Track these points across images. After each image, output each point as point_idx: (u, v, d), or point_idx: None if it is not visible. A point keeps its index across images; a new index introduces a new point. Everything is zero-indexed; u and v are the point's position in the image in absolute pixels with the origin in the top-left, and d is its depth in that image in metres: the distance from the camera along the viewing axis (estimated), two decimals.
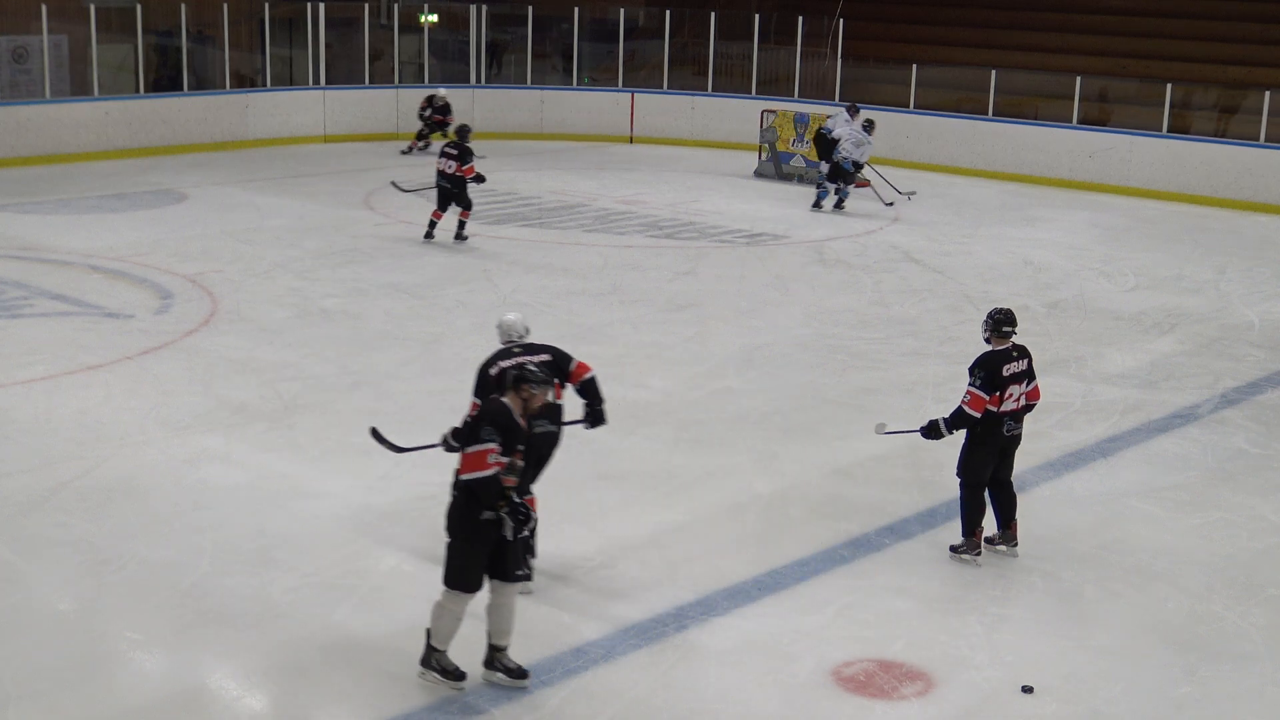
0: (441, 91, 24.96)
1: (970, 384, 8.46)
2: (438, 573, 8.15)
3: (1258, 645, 7.76)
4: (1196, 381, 12.63)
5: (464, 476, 6.85)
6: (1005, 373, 8.43)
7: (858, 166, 20.48)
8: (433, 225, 17.31)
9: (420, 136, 24.67)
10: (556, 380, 7.89)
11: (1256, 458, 10.79)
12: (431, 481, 9.56)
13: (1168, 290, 16.24)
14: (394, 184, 19.68)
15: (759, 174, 23.87)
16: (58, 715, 6.69)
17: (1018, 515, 8.76)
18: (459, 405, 11.20)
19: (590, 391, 8.15)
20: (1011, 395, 8.47)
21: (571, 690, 7.01)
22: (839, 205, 20.52)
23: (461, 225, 17.28)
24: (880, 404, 11.62)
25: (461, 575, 6.96)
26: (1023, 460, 9.89)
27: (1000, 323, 8.58)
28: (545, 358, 7.95)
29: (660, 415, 11.19)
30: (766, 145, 24.02)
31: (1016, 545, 8.73)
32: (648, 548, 8.75)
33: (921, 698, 7.07)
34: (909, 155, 24.86)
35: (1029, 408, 8.68)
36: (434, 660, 7.05)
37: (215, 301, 14.11)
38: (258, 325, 13.37)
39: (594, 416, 8.18)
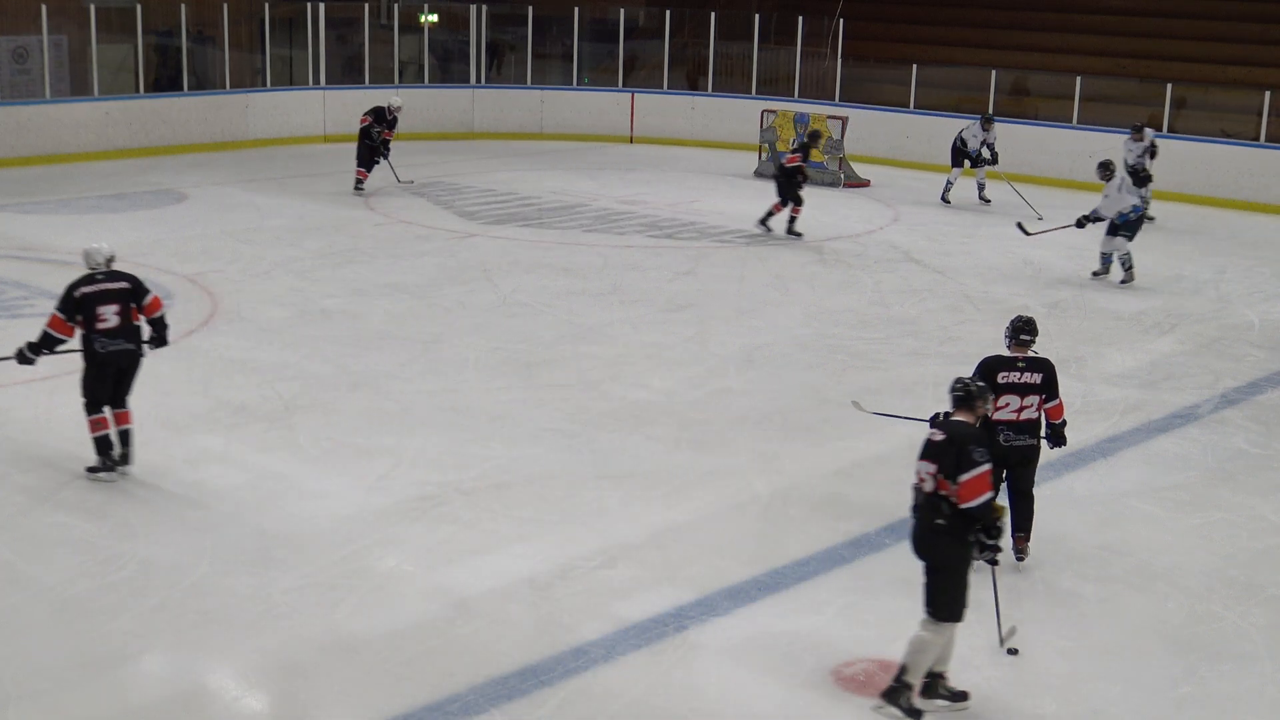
0: (396, 101, 21.46)
1: None
2: (439, 572, 8.19)
3: (1258, 645, 7.76)
4: (1196, 381, 12.63)
5: (969, 504, 6.77)
6: (1000, 379, 8.34)
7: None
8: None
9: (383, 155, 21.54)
10: (134, 305, 9.44)
11: (1256, 458, 10.80)
12: (431, 481, 9.60)
13: (1168, 290, 16.24)
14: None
15: (759, 174, 23.86)
16: (58, 715, 6.69)
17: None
18: (458, 405, 11.28)
19: (158, 325, 9.66)
20: (1007, 405, 8.35)
21: (572, 690, 7.01)
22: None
23: None
24: (880, 404, 11.60)
25: (958, 606, 6.87)
26: None
27: (1017, 330, 8.56)
28: (124, 285, 9.47)
29: (660, 415, 11.19)
30: (767, 145, 24.03)
31: (1023, 558, 8.63)
32: (648, 548, 8.75)
33: (921, 698, 7.07)
34: (909, 155, 24.86)
35: (1053, 425, 8.51)
36: (904, 699, 6.82)
37: (215, 301, 14.11)
38: (258, 325, 13.37)
39: (158, 342, 9.73)
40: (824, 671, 7.27)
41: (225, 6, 24.57)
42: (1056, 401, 8.54)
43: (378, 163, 20.94)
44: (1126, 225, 16.18)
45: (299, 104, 25.85)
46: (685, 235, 18.44)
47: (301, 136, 25.56)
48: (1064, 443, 8.72)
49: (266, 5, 25.24)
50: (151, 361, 12.05)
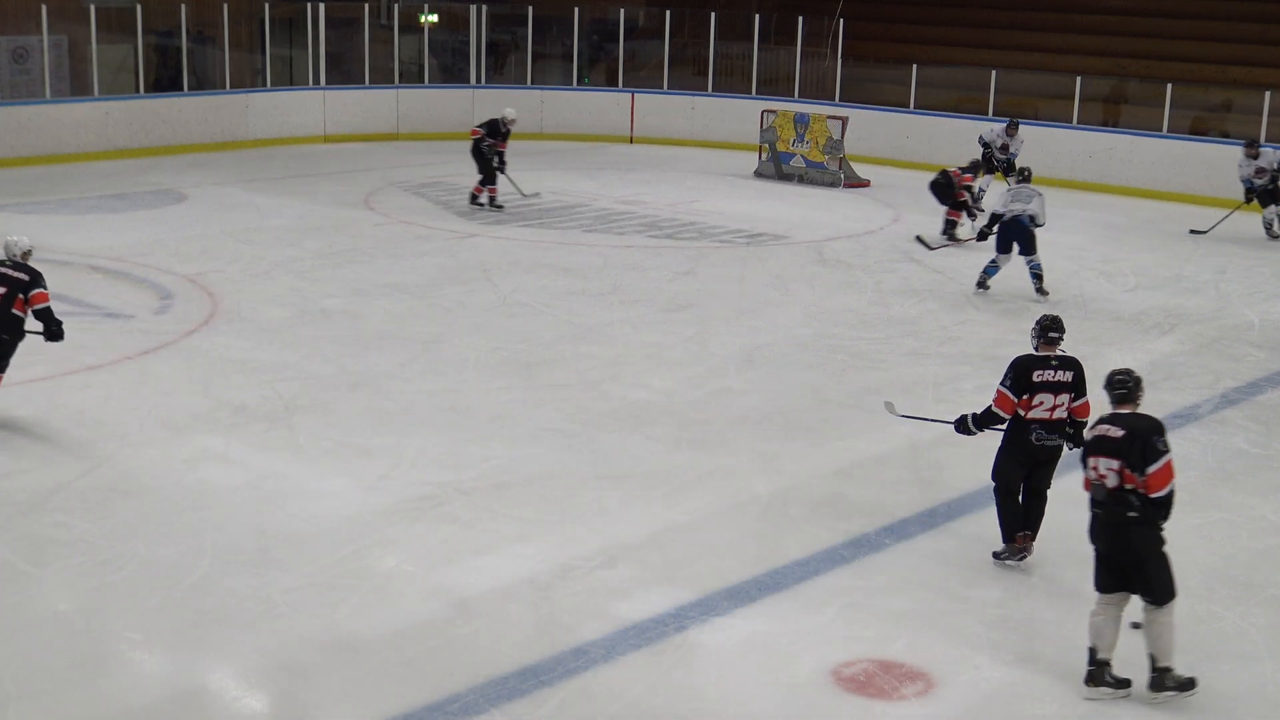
0: (510, 113, 20.15)
1: (1000, 383, 8.42)
2: (439, 572, 8.19)
3: (1258, 645, 7.76)
4: (1196, 381, 12.63)
5: (1158, 493, 7.07)
6: (1035, 378, 8.33)
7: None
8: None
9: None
10: (20, 296, 10.15)
11: (1256, 458, 10.80)
12: (430, 481, 9.59)
13: (1168, 290, 16.24)
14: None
15: (759, 174, 23.87)
16: (58, 715, 6.69)
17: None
18: (458, 405, 11.28)
19: (44, 316, 10.34)
20: (1042, 404, 8.34)
21: (571, 690, 7.01)
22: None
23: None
24: (880, 404, 11.61)
25: (1173, 583, 7.19)
26: None
27: (1046, 329, 8.52)
28: (24, 277, 10.25)
29: (660, 415, 11.19)
30: (767, 145, 24.03)
31: (1025, 557, 8.63)
32: (648, 548, 8.75)
33: (921, 698, 7.07)
34: (909, 155, 24.85)
35: (1076, 424, 8.48)
36: (1177, 680, 7.08)
37: (215, 302, 14.11)
38: (258, 325, 13.37)
39: (50, 336, 10.47)
40: (824, 672, 7.27)
41: (225, 7, 24.57)
42: (1084, 400, 8.51)
43: (500, 173, 19.75)
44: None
45: (299, 104, 25.86)
46: (685, 235, 18.45)
47: (301, 137, 25.57)
48: (1082, 443, 8.68)
49: (266, 5, 25.24)
50: (151, 362, 12.10)
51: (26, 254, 10.49)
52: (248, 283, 14.99)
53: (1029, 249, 15.46)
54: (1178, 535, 9.21)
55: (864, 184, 22.88)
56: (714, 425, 11.04)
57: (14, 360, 10.31)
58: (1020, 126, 21.14)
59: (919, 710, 6.97)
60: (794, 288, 15.77)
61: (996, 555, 8.65)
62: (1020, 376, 8.33)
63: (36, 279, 10.34)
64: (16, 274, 10.31)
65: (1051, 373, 8.38)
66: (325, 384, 11.69)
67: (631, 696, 6.98)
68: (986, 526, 9.23)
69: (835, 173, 23.01)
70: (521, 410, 11.20)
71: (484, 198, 19.68)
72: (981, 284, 15.65)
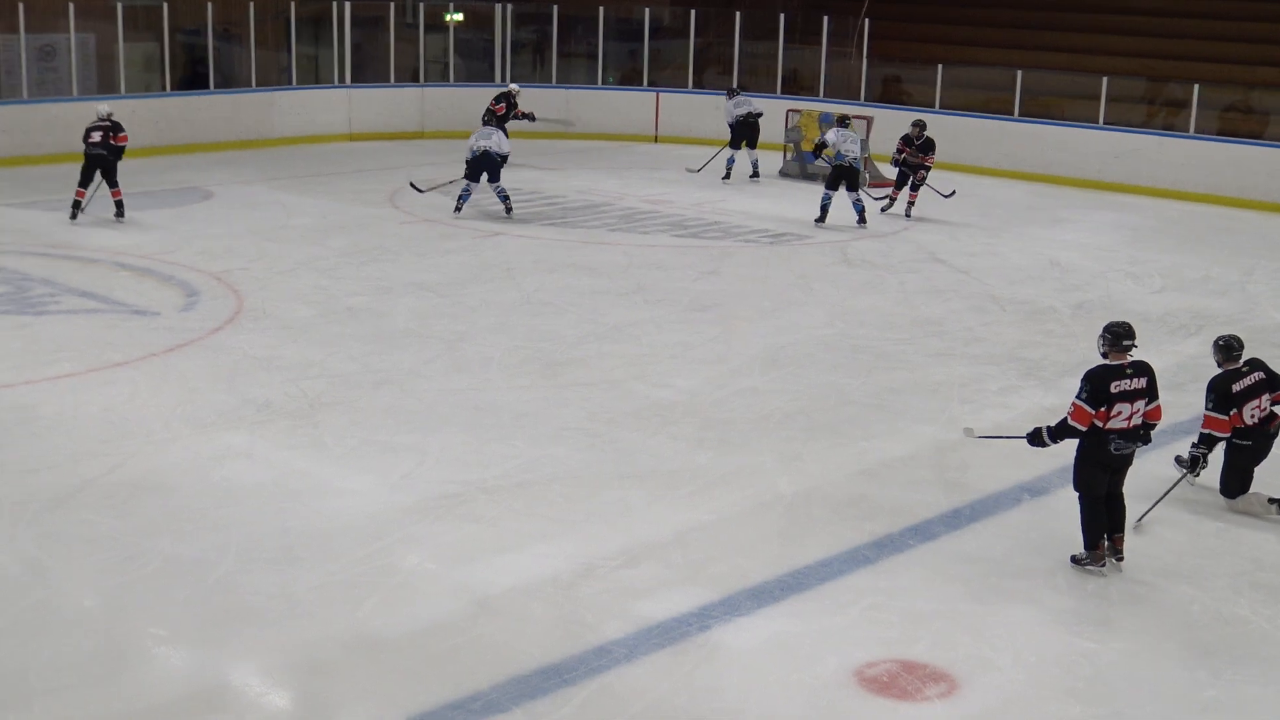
0: (514, 87, 24.13)
1: (1076, 395, 8.33)
2: (462, 570, 8.20)
3: None
4: None
5: None
6: (1114, 389, 8.24)
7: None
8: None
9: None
10: (112, 135, 14.39)
11: None
12: (454, 479, 9.60)
13: (1195, 292, 16.16)
14: (412, 184, 20.01)
15: (783, 174, 23.84)
16: (82, 711, 6.71)
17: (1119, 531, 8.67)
18: (482, 403, 11.29)
19: (119, 151, 15.69)
20: (1120, 413, 8.26)
21: (594, 689, 7.00)
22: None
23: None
24: (905, 405, 11.60)
25: None
26: (1049, 462, 9.91)
27: (1119, 336, 8.38)
28: (108, 125, 13.74)
29: (684, 415, 11.18)
30: (791, 145, 23.99)
31: (1121, 559, 8.58)
32: (671, 547, 8.74)
33: (945, 699, 7.05)
34: (935, 155, 24.72)
35: (1149, 427, 8.51)
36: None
37: (240, 299, 14.15)
38: (282, 323, 13.40)
39: (116, 157, 16.03)
40: (847, 672, 7.25)
41: (251, 5, 24.63)
42: (1156, 403, 8.52)
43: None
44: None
45: (324, 102, 25.92)
46: (710, 235, 18.43)
47: (326, 135, 25.63)
48: (1149, 442, 8.73)
49: (292, 4, 25.32)
50: (177, 359, 12.14)
51: (110, 114, 17.77)
52: (273, 280, 15.03)
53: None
54: (1204, 537, 9.21)
55: (888, 184, 22.79)
56: (737, 425, 11.02)
57: (40, 357, 10.39)
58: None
59: (942, 711, 6.95)
60: (818, 287, 15.74)
61: (1076, 560, 8.56)
62: (1098, 389, 8.21)
63: (118, 126, 17.70)
64: (105, 123, 17.57)
65: (1128, 382, 8.31)
66: (349, 382, 11.71)
67: (654, 696, 6.97)
68: (1010, 527, 9.22)
69: (860, 173, 22.92)
70: (545, 409, 11.20)
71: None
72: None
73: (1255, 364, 8.71)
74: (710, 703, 6.94)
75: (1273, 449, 9.70)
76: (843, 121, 19.96)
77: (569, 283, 15.39)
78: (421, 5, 27.50)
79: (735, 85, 24.73)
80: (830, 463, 10.33)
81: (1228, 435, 9.21)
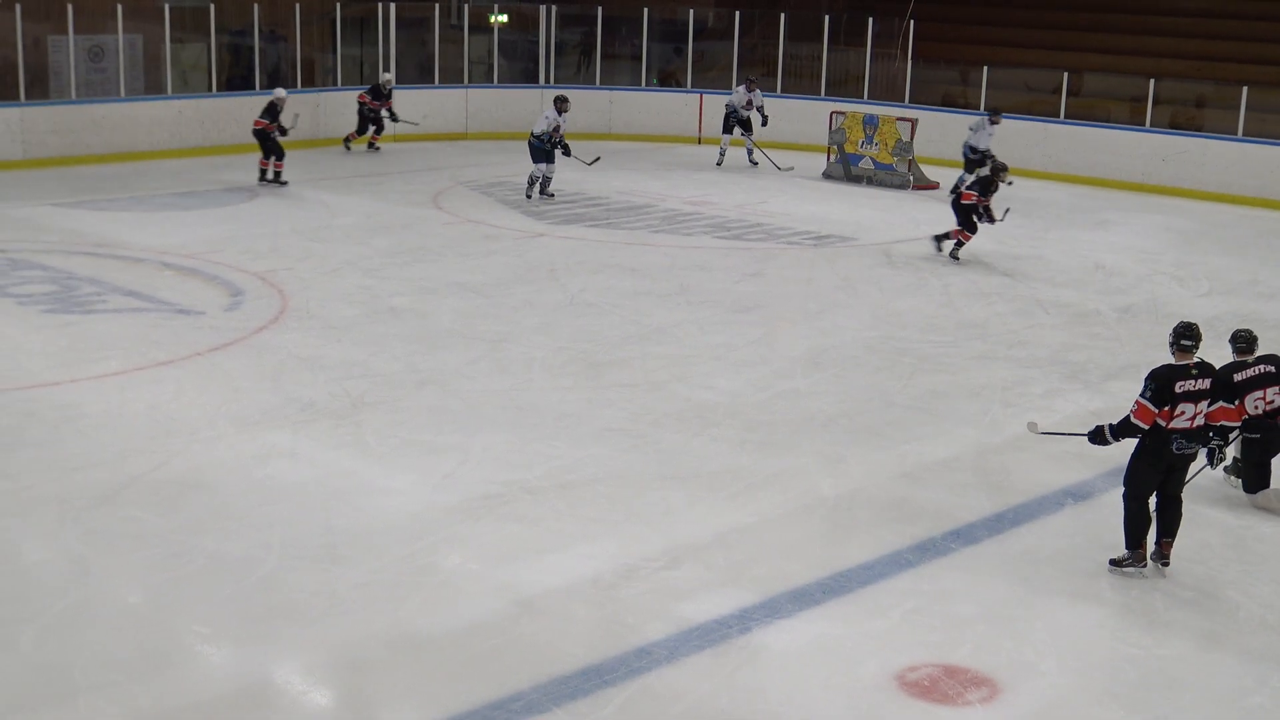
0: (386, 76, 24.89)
1: (1140, 394, 8.29)
2: (504, 570, 8.22)
3: None
4: None
5: None
6: (1178, 389, 8.20)
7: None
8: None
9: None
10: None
11: None
12: (496, 479, 9.63)
13: (1241, 295, 16.02)
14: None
15: (827, 175, 23.78)
16: (126, 707, 6.76)
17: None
18: (525, 404, 11.31)
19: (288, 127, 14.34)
20: (1184, 413, 8.23)
21: (635, 690, 7.01)
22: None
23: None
24: (948, 408, 11.55)
25: None
26: (1094, 467, 9.86)
27: (1180, 335, 8.38)
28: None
29: (726, 416, 11.17)
30: (835, 147, 23.93)
31: (1166, 564, 8.54)
32: (713, 549, 8.74)
33: (986, 704, 7.02)
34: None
35: (1211, 428, 8.53)
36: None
37: (285, 299, 14.22)
38: (326, 323, 13.46)
39: (283, 133, 13.58)
40: (888, 676, 7.23)
41: (297, 7, 24.76)
42: (1220, 404, 8.59)
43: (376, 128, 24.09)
44: None
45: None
46: (753, 236, 18.41)
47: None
48: (1209, 443, 8.84)
49: (338, 5, 25.43)
50: (222, 358, 12.22)
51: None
52: (317, 280, 15.10)
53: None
54: (1250, 543, 9.13)
55: (933, 186, 22.72)
56: (780, 427, 11.00)
57: (87, 355, 10.48)
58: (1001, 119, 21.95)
59: (984, 716, 6.92)
60: (861, 289, 15.70)
61: (1115, 562, 8.52)
62: (1162, 389, 8.19)
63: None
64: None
65: (1192, 382, 8.28)
66: (393, 382, 11.75)
67: (694, 697, 6.97)
68: (1053, 531, 9.17)
69: (904, 175, 22.89)
70: (587, 410, 11.21)
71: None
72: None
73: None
74: (751, 705, 6.93)
75: None
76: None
77: (612, 284, 15.40)
78: (466, 6, 27.57)
79: (751, 78, 24.83)
80: (872, 465, 10.30)
81: (1237, 425, 9.23)
